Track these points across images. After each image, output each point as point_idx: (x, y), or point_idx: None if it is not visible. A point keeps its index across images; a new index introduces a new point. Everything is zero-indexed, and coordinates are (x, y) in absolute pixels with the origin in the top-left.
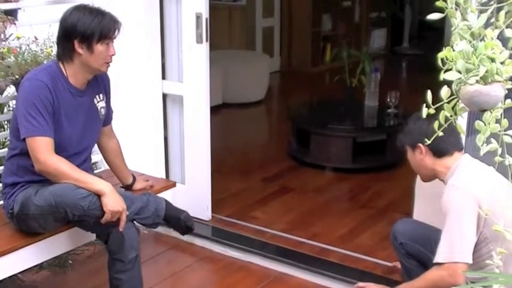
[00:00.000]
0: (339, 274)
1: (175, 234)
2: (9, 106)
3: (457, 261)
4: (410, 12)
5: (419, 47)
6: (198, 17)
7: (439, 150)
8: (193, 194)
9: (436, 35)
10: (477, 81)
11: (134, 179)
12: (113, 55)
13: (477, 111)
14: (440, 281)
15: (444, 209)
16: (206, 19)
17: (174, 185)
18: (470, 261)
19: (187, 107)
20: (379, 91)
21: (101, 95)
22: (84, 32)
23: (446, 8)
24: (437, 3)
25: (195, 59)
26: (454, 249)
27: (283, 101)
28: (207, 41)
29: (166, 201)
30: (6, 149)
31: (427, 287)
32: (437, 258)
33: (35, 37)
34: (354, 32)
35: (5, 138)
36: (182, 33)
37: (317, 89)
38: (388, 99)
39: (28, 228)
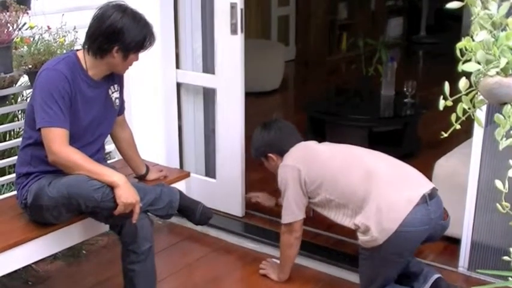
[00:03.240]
0: (354, 266)
1: (189, 224)
2: (22, 96)
3: (291, 221)
4: (427, 0)
5: (436, 36)
6: (233, 7)
7: (285, 151)
8: (225, 188)
9: (454, 23)
10: (497, 73)
11: (148, 169)
12: (137, 61)
13: (497, 104)
14: (286, 239)
15: (279, 185)
16: (241, 9)
17: (188, 175)
18: (302, 217)
19: (221, 101)
20: (396, 80)
21: (115, 86)
22: (129, 44)
23: None
24: None
25: (229, 50)
26: (288, 212)
27: (298, 90)
28: (242, 32)
29: (180, 191)
30: (20, 139)
31: (284, 250)
32: (282, 222)
33: (48, 26)
34: (370, 21)
35: (19, 128)
36: (215, 24)
37: (333, 78)
38: (405, 89)
39: (41, 219)
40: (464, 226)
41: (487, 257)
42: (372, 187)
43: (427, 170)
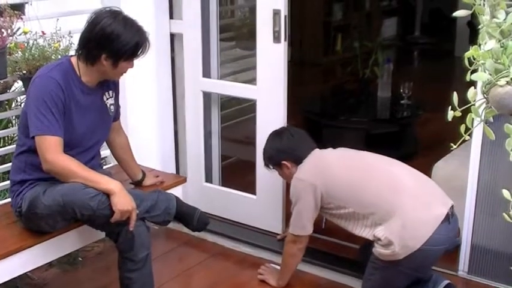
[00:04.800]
0: (353, 270)
1: (186, 230)
2: (17, 102)
3: (300, 234)
4: (422, 0)
5: (431, 36)
6: (276, 14)
7: (299, 159)
8: (266, 205)
9: (449, 23)
10: (507, 83)
11: (144, 175)
12: (131, 68)
13: (507, 115)
14: (290, 249)
15: (291, 196)
16: (285, 16)
17: (184, 180)
18: (311, 231)
19: (261, 112)
20: (391, 81)
21: (110, 92)
22: (118, 51)
23: (474, 4)
24: (465, 0)
25: (271, 60)
26: (298, 224)
27: (293, 92)
28: (285, 40)
29: (177, 198)
30: (14, 145)
31: (286, 259)
32: (289, 231)
33: (42, 32)
34: (365, 22)
35: (14, 134)
36: (257, 31)
37: (328, 80)
38: (401, 90)
39: (37, 227)
40: (464, 230)
41: (487, 261)
42: (398, 200)
43: (425, 173)
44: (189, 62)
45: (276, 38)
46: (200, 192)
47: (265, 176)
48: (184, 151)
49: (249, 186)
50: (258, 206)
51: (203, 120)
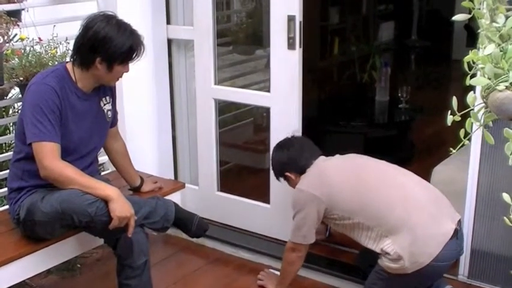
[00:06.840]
0: (351, 275)
1: (185, 235)
2: (14, 108)
3: (299, 242)
4: (418, 3)
5: (428, 39)
6: (291, 20)
7: (302, 169)
8: (281, 214)
9: (445, 26)
10: (507, 87)
11: (142, 180)
12: (127, 72)
13: (507, 120)
14: (289, 256)
15: (292, 206)
16: (300, 22)
17: (183, 186)
18: (313, 241)
19: (275, 120)
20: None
21: (107, 98)
22: (112, 54)
23: (473, 8)
24: (464, 4)
25: (285, 67)
26: (299, 234)
27: None
28: (300, 47)
29: (175, 204)
30: (11, 153)
31: (285, 266)
32: (290, 239)
33: (39, 38)
34: (362, 25)
35: (11, 141)
36: (270, 38)
37: (326, 84)
38: (399, 94)
39: (35, 234)
40: (464, 234)
41: (487, 265)
42: (408, 214)
43: (423, 177)
44: (200, 69)
45: (291, 45)
46: (212, 201)
47: (279, 185)
48: (183, 157)
49: (248, 192)
50: (273, 215)
51: (215, 129)
